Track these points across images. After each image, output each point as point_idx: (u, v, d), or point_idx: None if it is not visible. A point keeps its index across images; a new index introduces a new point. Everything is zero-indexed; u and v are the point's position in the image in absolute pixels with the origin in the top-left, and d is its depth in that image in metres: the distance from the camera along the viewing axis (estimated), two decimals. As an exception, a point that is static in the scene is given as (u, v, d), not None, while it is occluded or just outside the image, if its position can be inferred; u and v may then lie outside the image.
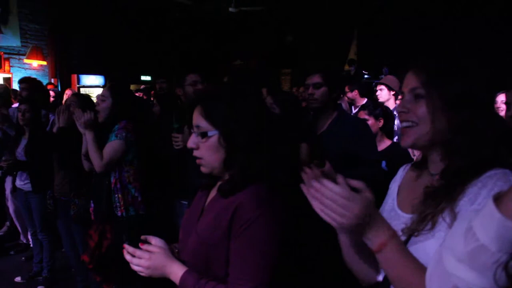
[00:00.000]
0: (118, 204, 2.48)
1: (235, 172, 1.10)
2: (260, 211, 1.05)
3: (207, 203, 1.21)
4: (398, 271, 0.89)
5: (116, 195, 2.48)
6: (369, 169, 2.08)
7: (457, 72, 0.95)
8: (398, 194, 1.12)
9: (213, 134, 1.09)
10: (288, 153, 1.13)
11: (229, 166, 1.11)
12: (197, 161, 1.14)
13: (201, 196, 1.26)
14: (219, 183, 1.17)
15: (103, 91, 2.71)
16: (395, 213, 1.07)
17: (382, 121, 2.86)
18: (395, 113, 3.78)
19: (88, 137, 2.47)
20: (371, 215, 0.89)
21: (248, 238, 1.04)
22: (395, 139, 3.21)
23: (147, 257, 1.12)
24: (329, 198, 0.87)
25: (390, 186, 1.18)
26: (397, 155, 2.57)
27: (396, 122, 3.72)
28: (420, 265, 0.87)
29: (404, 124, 0.99)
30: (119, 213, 2.48)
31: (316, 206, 0.89)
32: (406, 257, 0.89)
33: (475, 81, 0.95)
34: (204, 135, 1.10)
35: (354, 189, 0.90)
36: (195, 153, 1.13)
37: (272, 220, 1.06)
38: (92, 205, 2.61)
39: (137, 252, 1.13)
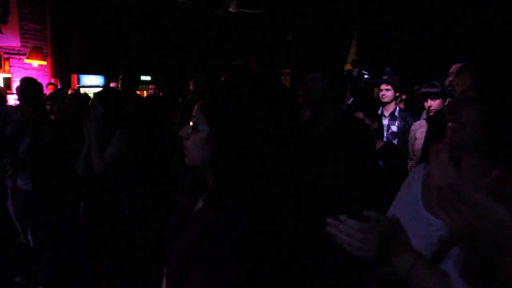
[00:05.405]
0: (124, 205, 2.53)
1: (220, 177, 0.98)
2: (232, 236, 0.89)
3: (194, 211, 1.09)
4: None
5: (122, 197, 2.54)
6: (369, 178, 2.03)
7: None
8: (422, 193, 1.02)
9: (203, 129, 1.01)
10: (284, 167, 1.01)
11: (214, 167, 1.01)
12: (184, 151, 1.07)
13: (190, 201, 1.15)
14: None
15: (92, 99, 2.74)
16: (423, 217, 0.98)
17: (376, 123, 2.89)
18: (396, 114, 3.78)
19: (93, 141, 2.53)
20: (391, 243, 0.90)
21: (208, 266, 0.89)
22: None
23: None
24: (347, 233, 0.90)
25: (402, 187, 1.12)
26: (392, 154, 2.69)
27: (397, 123, 3.73)
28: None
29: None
30: (124, 214, 2.53)
31: (338, 240, 0.91)
32: (436, 273, 0.87)
33: None
34: (195, 127, 1.02)
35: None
36: (184, 142, 1.06)
37: (244, 249, 0.88)
38: (82, 208, 2.66)
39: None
